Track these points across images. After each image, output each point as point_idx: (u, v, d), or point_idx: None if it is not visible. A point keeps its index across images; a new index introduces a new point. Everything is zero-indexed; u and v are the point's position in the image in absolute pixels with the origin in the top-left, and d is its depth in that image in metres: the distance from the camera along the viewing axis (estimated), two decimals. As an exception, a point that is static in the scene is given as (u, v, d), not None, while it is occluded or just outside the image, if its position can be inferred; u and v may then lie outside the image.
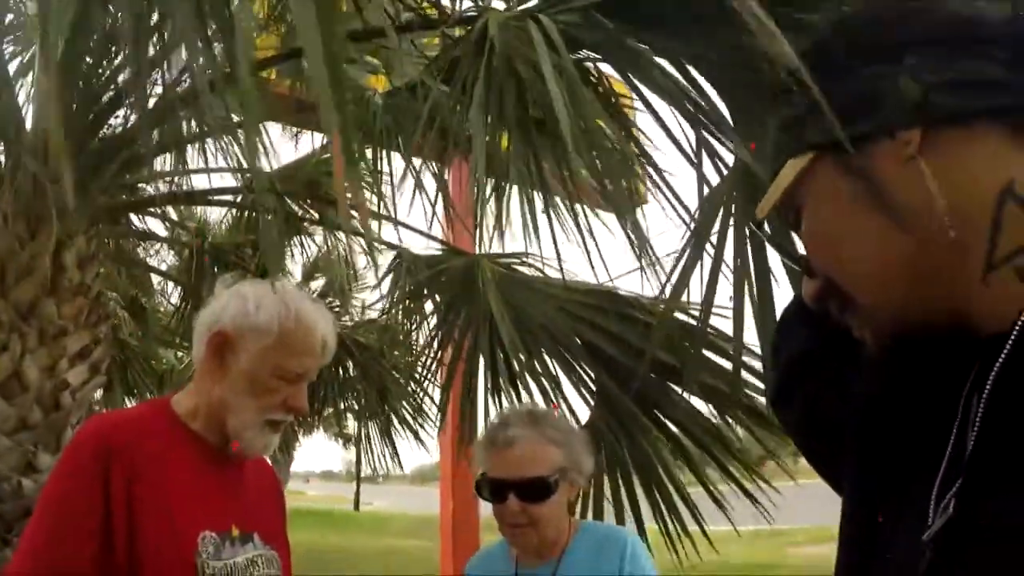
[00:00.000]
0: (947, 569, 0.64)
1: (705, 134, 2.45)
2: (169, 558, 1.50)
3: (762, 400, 3.22)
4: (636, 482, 3.45)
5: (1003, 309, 0.68)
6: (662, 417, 3.46)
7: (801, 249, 0.86)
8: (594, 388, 3.53)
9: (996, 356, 0.67)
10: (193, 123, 3.92)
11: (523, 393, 3.59)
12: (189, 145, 4.43)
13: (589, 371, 3.53)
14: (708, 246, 2.46)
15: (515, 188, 3.07)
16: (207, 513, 1.59)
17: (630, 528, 3.24)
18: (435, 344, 3.90)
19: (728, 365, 3.21)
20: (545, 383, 3.53)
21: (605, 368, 3.45)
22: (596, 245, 2.89)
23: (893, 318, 0.75)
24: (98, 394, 5.35)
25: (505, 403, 3.65)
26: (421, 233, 3.88)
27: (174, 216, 5.89)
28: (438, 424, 4.23)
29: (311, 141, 4.87)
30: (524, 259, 3.79)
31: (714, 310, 2.78)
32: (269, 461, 1.89)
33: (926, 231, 0.71)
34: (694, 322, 3.21)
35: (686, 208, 2.54)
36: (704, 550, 3.47)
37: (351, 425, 17.47)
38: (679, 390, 3.39)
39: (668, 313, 2.95)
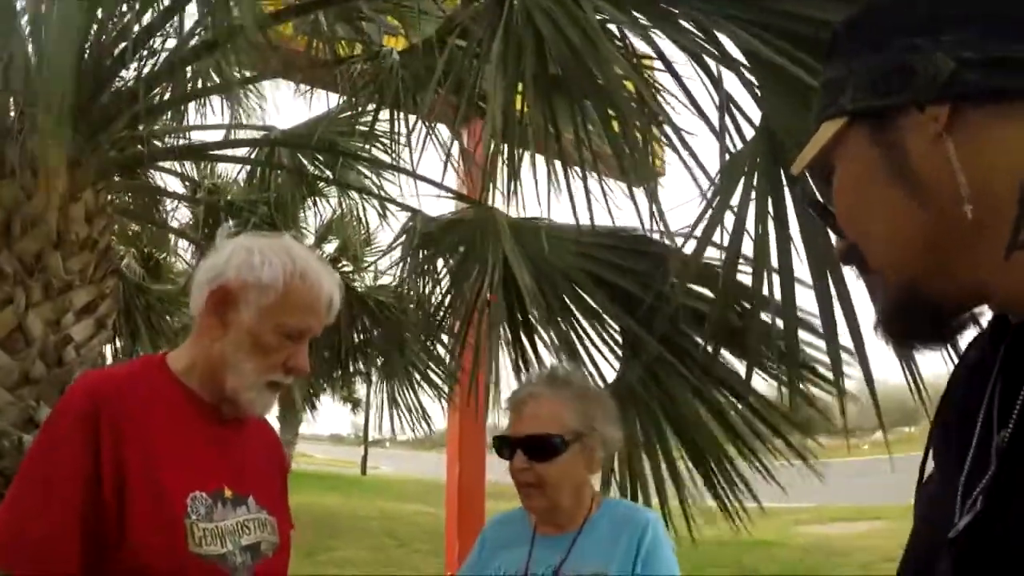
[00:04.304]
0: (970, 572, 0.63)
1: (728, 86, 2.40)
2: (158, 517, 1.46)
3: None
4: (667, 428, 3.37)
5: None
6: (693, 369, 3.34)
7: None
8: (620, 338, 3.45)
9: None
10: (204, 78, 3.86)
11: (541, 349, 3.52)
12: (200, 99, 4.38)
13: (613, 320, 3.44)
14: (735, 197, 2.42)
15: (532, 147, 3.01)
16: (199, 473, 1.55)
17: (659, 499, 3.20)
18: (446, 301, 3.85)
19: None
20: (570, 334, 3.46)
21: (630, 313, 3.35)
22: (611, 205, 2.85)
23: (905, 287, 0.75)
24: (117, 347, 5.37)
25: (522, 360, 3.59)
26: (435, 184, 3.80)
27: (193, 174, 5.88)
28: (453, 385, 4.18)
29: (326, 100, 4.81)
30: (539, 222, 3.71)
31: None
32: (278, 422, 1.84)
33: (947, 207, 0.70)
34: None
35: (706, 172, 2.49)
36: (712, 526, 3.44)
37: (360, 389, 17.59)
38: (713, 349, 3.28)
39: (693, 261, 2.85)
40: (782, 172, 2.34)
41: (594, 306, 3.48)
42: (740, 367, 3.26)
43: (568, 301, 3.48)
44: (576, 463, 1.93)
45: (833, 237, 0.85)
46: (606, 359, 3.51)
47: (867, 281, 0.82)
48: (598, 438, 1.96)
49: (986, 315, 0.76)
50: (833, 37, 0.82)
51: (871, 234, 0.77)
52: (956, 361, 0.81)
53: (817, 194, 0.89)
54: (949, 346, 0.80)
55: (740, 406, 3.31)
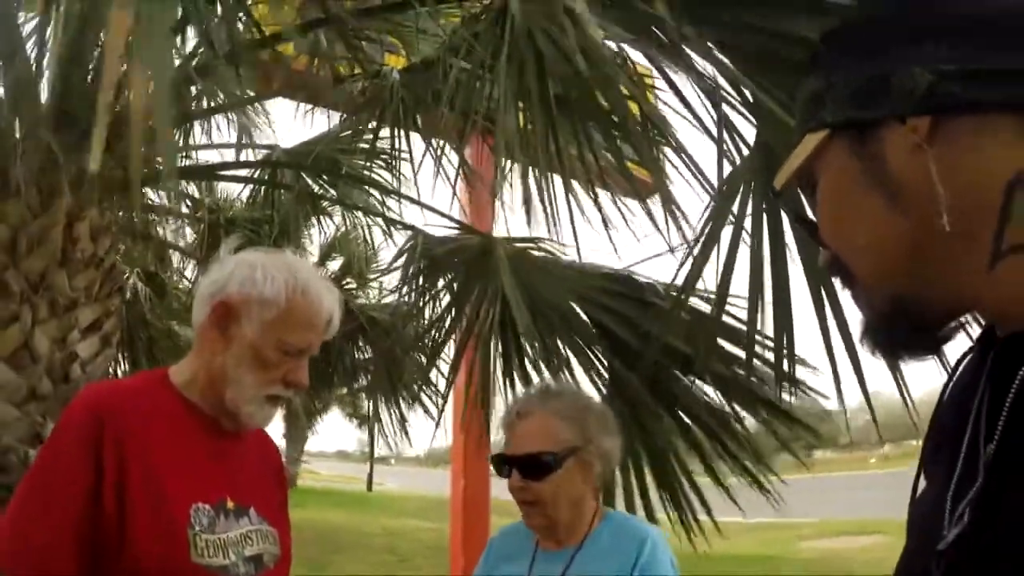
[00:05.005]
0: None
1: (726, 109, 2.42)
2: (161, 528, 1.48)
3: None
4: (647, 471, 3.40)
5: (1013, 301, 0.68)
6: (675, 407, 3.41)
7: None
8: (606, 375, 3.48)
9: (1011, 354, 0.66)
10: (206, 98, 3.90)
11: (534, 376, 3.55)
12: (202, 120, 4.41)
13: (602, 358, 3.48)
14: (725, 232, 2.43)
15: (534, 168, 3.04)
16: (201, 485, 1.56)
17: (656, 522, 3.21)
18: (447, 323, 3.87)
19: (743, 355, 3.17)
20: (562, 368, 3.48)
21: (619, 355, 3.40)
22: (610, 226, 2.87)
23: (888, 297, 0.75)
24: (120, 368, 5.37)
25: (517, 385, 3.61)
26: (436, 211, 3.84)
27: (194, 193, 5.90)
28: (445, 405, 4.20)
29: (327, 119, 4.85)
30: (539, 243, 3.75)
31: (731, 300, 2.76)
32: (284, 439, 1.85)
33: (929, 216, 0.70)
34: (708, 309, 3.17)
35: (708, 183, 2.51)
36: (711, 540, 3.44)
37: (365, 405, 17.54)
38: (693, 380, 3.34)
39: (682, 303, 2.90)
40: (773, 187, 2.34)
41: (585, 342, 3.53)
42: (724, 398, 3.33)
43: (560, 336, 3.52)
44: (572, 478, 1.90)
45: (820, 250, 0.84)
46: (595, 387, 3.54)
47: (852, 293, 0.81)
48: (594, 450, 1.93)
49: (974, 326, 0.76)
50: (814, 49, 0.82)
51: (855, 244, 0.78)
52: (947, 374, 0.80)
53: (807, 208, 0.91)
54: (937, 357, 0.79)
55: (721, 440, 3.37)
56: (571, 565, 1.90)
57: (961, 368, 0.77)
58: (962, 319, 0.76)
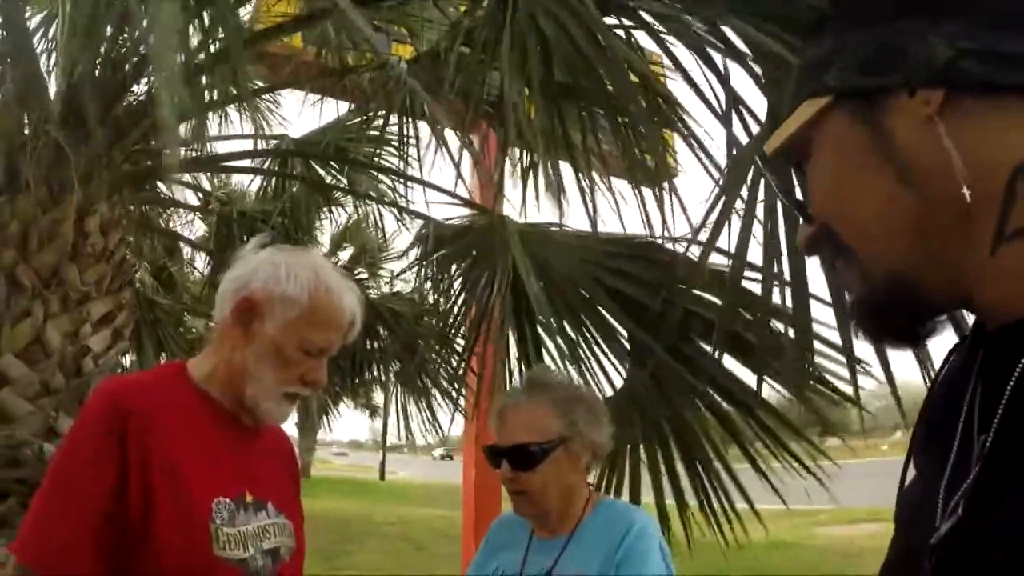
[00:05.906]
0: None
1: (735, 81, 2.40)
2: (184, 522, 1.48)
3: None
4: (675, 450, 3.35)
5: (1011, 290, 0.66)
6: (700, 379, 3.32)
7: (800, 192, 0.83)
8: (627, 344, 3.44)
9: (1005, 346, 0.65)
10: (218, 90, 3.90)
11: (549, 357, 3.51)
12: (212, 112, 4.42)
13: (621, 327, 3.42)
14: (738, 204, 2.42)
15: (541, 152, 3.02)
16: (221, 479, 1.57)
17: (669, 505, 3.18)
18: (458, 309, 3.86)
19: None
20: (578, 341, 3.45)
21: (637, 321, 3.32)
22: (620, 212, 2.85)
23: (887, 272, 0.73)
24: (127, 360, 5.40)
25: (530, 367, 3.58)
26: (444, 191, 3.82)
27: (205, 185, 5.92)
28: (459, 391, 4.19)
29: (336, 108, 4.85)
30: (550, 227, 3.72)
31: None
32: (297, 430, 1.85)
33: (934, 192, 0.69)
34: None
35: (719, 169, 2.49)
36: (737, 528, 3.42)
37: (377, 396, 17.61)
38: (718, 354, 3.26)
39: (700, 268, 2.84)
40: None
41: (603, 313, 3.46)
42: (748, 370, 3.25)
43: (576, 308, 3.46)
44: (560, 468, 1.91)
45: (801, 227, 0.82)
46: (615, 366, 3.50)
47: (841, 273, 0.79)
48: (582, 441, 1.93)
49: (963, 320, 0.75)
50: (818, 15, 0.80)
51: (855, 218, 0.75)
52: (937, 368, 0.78)
53: (783, 179, 0.87)
54: (917, 348, 0.79)
55: (751, 412, 3.30)
56: (563, 553, 1.91)
57: (951, 361, 0.76)
58: (947, 316, 0.74)
